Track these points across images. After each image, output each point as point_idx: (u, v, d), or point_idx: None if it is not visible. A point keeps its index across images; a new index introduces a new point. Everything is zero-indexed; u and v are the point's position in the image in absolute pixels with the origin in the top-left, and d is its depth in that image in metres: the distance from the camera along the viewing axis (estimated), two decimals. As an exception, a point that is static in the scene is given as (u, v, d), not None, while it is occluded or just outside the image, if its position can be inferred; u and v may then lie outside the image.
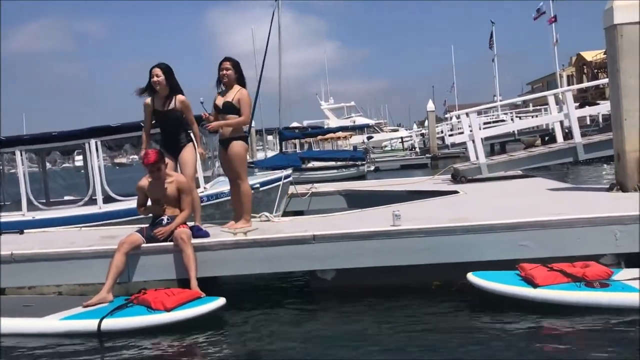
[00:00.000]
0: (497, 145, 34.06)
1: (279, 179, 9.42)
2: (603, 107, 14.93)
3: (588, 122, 20.03)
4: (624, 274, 4.89)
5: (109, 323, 4.76)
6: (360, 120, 54.70)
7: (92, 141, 8.33)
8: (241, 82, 6.31)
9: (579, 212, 5.60)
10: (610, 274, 4.81)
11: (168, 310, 4.78)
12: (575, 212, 5.62)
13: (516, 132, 29.37)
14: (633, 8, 6.72)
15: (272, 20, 23.82)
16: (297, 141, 33.10)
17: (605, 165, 17.03)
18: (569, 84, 43.07)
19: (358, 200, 9.87)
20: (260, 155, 30.68)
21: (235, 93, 6.21)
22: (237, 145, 6.27)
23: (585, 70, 50.00)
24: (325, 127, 45.51)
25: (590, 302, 4.59)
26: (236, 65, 6.29)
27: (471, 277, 5.07)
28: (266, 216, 6.81)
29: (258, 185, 8.77)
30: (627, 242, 5.26)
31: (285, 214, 9.37)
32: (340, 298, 5.50)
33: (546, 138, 27.67)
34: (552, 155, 10.34)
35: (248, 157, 6.95)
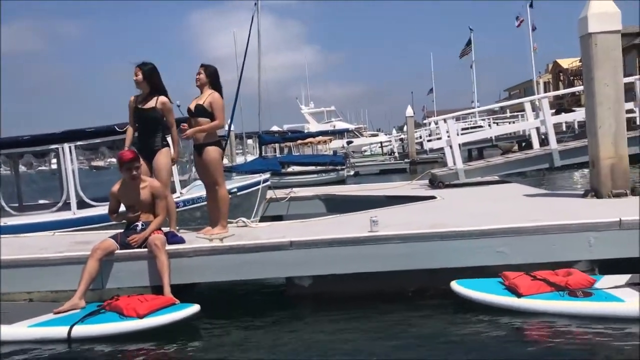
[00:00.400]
0: (474, 151, 34.38)
1: (257, 184, 9.36)
2: (579, 114, 15.14)
3: (564, 129, 20.25)
4: (605, 282, 4.89)
5: (80, 330, 4.66)
6: (340, 125, 54.78)
7: (66, 146, 8.19)
8: (216, 87, 6.28)
9: (555, 219, 5.63)
10: (592, 283, 4.83)
11: (140, 316, 4.69)
12: (550, 219, 5.66)
13: (493, 138, 29.62)
14: (607, 17, 6.82)
15: (251, 23, 23.85)
16: (276, 145, 32.98)
17: (576, 172, 17.23)
18: (545, 91, 43.77)
19: (337, 205, 9.87)
20: (239, 160, 30.53)
21: (207, 96, 6.18)
22: (211, 151, 6.22)
23: (561, 77, 50.71)
24: (306, 131, 45.53)
25: (574, 312, 4.58)
26: (210, 72, 6.28)
27: (455, 285, 5.05)
28: (243, 221, 6.75)
29: (235, 190, 8.71)
30: (601, 248, 5.31)
31: (264, 218, 9.32)
32: (317, 305, 5.46)
33: (523, 144, 27.99)
34: (529, 161, 10.46)
35: (227, 161, 6.90)
